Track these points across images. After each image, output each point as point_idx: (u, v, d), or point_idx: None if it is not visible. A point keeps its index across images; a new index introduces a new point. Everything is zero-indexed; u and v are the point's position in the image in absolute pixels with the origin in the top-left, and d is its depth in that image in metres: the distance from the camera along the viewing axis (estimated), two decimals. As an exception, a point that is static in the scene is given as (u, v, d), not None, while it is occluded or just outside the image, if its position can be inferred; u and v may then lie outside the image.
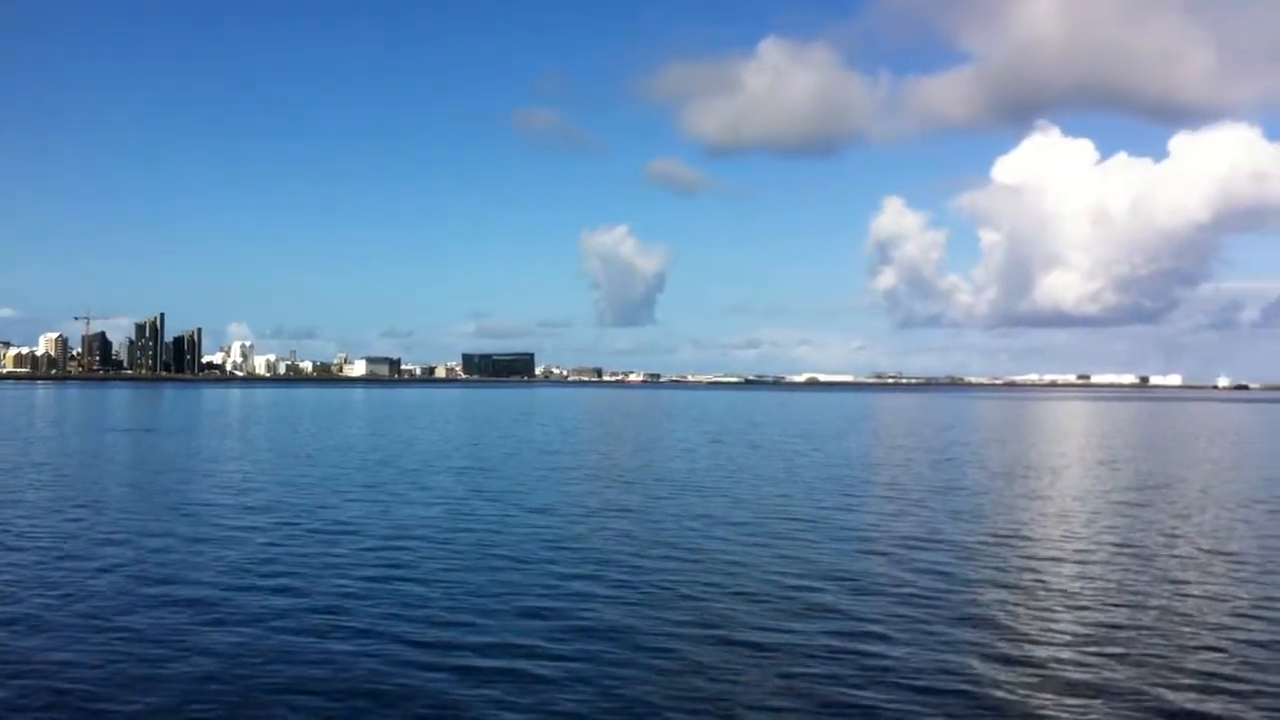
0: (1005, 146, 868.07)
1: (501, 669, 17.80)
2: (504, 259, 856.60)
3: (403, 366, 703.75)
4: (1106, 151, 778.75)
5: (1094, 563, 28.33)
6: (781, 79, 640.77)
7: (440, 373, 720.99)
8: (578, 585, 24.70)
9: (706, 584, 24.96)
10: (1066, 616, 22.01)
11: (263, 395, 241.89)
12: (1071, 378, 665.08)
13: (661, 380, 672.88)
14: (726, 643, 19.59)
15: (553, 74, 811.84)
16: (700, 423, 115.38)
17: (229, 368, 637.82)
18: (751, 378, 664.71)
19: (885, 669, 18.03)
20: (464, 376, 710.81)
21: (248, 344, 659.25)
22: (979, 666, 18.24)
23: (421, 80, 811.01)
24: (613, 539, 31.65)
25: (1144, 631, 20.80)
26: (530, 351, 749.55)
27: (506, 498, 41.48)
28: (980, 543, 31.49)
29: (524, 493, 43.45)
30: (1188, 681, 17.47)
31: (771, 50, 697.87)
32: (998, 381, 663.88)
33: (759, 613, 22.05)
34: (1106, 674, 17.89)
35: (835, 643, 19.64)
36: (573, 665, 18.09)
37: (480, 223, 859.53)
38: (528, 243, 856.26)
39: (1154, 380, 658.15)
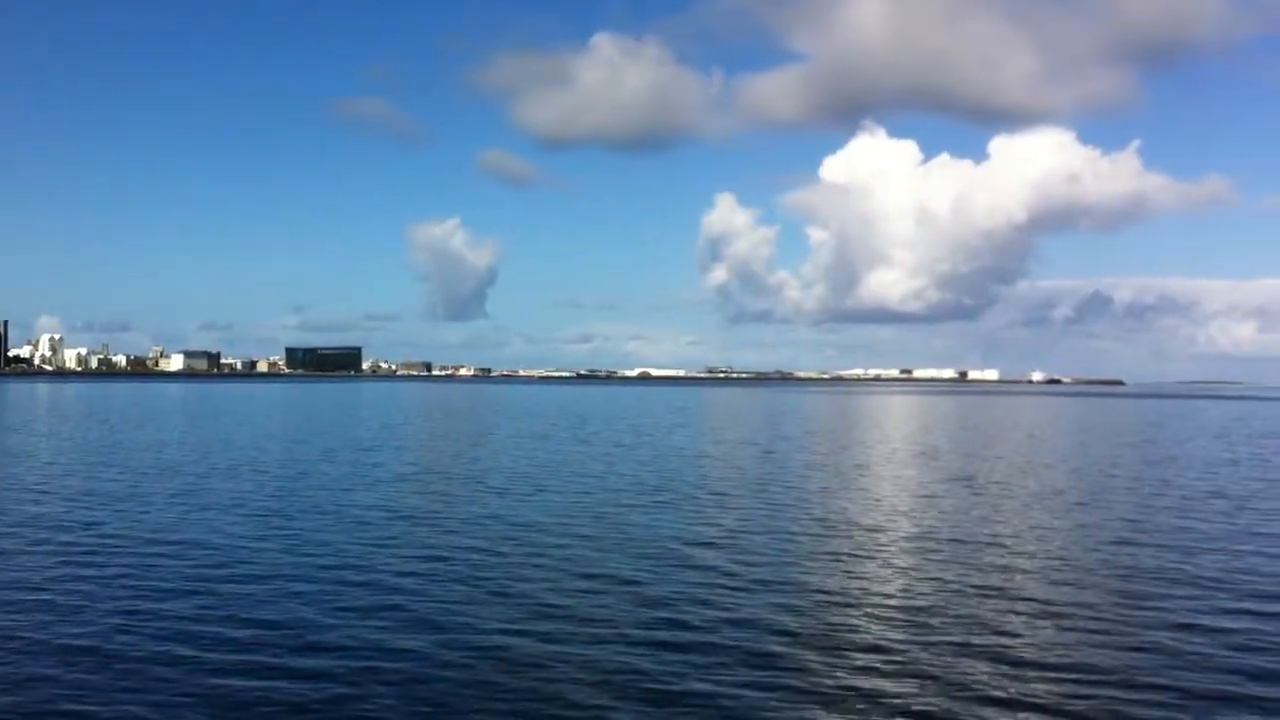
0: (833, 146, 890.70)
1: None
2: (329, 251, 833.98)
3: (222, 360, 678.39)
4: (930, 152, 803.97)
5: (897, 553, 28.14)
6: (614, 73, 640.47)
7: (262, 367, 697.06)
8: (342, 599, 23.09)
9: (480, 590, 23.67)
10: (861, 607, 21.47)
11: (72, 390, 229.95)
12: (895, 372, 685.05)
13: (492, 375, 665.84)
14: (469, 648, 18.50)
15: (381, 63, 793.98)
16: (529, 418, 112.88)
17: (37, 361, 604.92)
18: (584, 372, 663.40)
19: (682, 658, 17.06)
20: (287, 371, 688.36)
21: (57, 337, 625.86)
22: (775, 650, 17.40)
23: (241, 66, 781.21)
24: (408, 547, 30.01)
25: (925, 617, 20.38)
26: (357, 345, 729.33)
27: (314, 500, 39.36)
28: (789, 535, 30.93)
29: (331, 495, 41.40)
30: (984, 666, 17.08)
31: (604, 44, 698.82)
32: (825, 376, 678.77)
33: (505, 616, 21.14)
34: (902, 660, 17.32)
35: (592, 652, 18.64)
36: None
37: (303, 213, 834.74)
38: (354, 234, 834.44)
39: (972, 375, 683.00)
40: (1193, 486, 46.20)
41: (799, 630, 20.33)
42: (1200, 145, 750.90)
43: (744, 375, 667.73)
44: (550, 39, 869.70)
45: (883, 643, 19.47)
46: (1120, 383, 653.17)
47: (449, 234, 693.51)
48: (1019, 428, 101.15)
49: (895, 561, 27.61)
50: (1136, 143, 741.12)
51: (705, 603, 22.56)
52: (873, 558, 28.11)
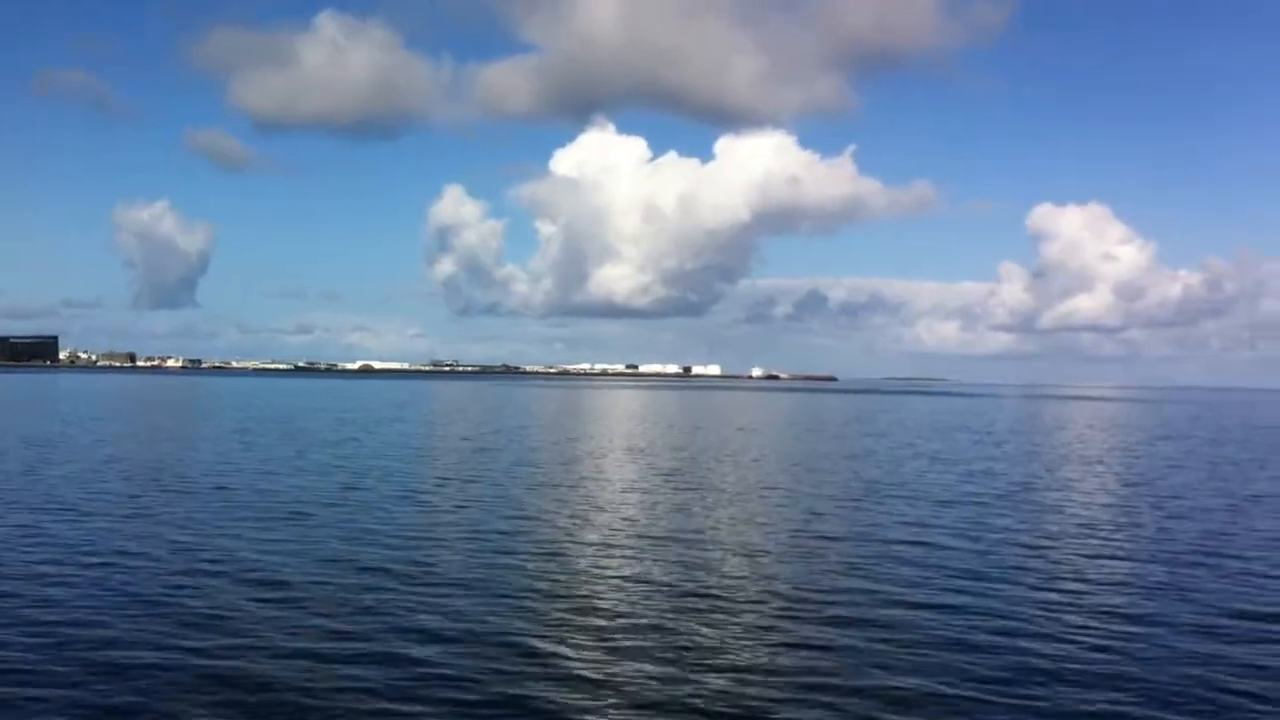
0: (564, 139, 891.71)
1: None
2: (21, 232, 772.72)
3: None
4: (659, 149, 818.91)
5: (582, 550, 27.30)
6: (338, 55, 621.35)
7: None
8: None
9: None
10: (527, 608, 20.55)
11: None
12: (621, 367, 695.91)
13: (203, 367, 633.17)
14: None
15: (86, 33, 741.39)
16: (236, 411, 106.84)
17: None
18: (302, 364, 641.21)
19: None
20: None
21: None
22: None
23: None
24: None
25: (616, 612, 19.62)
26: (54, 334, 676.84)
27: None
28: (478, 533, 29.70)
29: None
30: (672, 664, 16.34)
31: (328, 24, 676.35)
32: (552, 370, 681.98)
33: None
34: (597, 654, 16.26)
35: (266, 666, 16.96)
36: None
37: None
38: (50, 215, 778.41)
39: (696, 370, 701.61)
40: (884, 480, 47.53)
41: (449, 631, 19.18)
42: (909, 152, 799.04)
43: (470, 369, 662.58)
44: (271, 16, 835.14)
45: (540, 645, 18.47)
46: (833, 379, 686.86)
47: (157, 217, 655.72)
48: (731, 423, 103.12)
49: (576, 559, 26.77)
50: (852, 148, 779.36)
51: (369, 610, 20.99)
52: (556, 555, 27.21)
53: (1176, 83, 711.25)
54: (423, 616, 20.43)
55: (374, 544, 28.33)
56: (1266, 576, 25.80)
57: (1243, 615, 21.71)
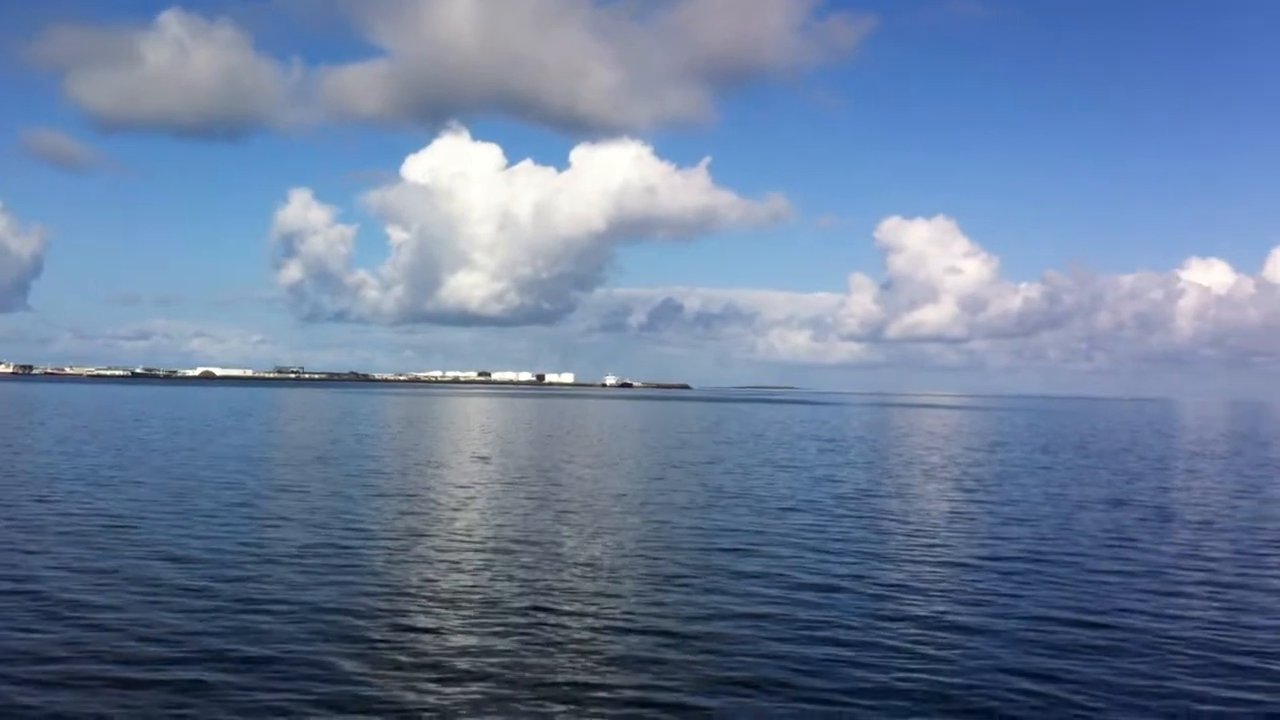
0: (416, 145, 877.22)
1: None
2: None
3: None
4: (514, 157, 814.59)
5: (430, 563, 26.27)
6: (183, 55, 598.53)
7: None
8: None
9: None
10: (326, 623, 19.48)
11: None
12: (473, 374, 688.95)
13: (35, 373, 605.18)
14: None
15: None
16: (64, 419, 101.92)
17: None
18: (140, 371, 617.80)
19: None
20: None
21: None
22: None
23: None
24: None
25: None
26: None
27: None
28: (299, 547, 28.40)
29: None
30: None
31: (172, 23, 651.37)
32: (402, 377, 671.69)
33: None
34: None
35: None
36: None
37: None
38: None
39: (550, 378, 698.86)
40: (730, 487, 47.40)
41: (246, 653, 17.98)
42: (764, 165, 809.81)
43: (317, 376, 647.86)
44: (112, 13, 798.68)
45: (344, 666, 17.47)
46: (687, 387, 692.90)
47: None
48: (582, 430, 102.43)
49: (400, 574, 25.71)
50: (708, 159, 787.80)
51: (167, 630, 19.65)
52: (378, 570, 26.12)
53: (1018, 101, 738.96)
54: (213, 640, 19.20)
55: (189, 560, 26.81)
56: (1090, 582, 26.12)
57: (1070, 622, 21.81)
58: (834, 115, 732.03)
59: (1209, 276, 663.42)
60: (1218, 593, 25.09)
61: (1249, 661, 18.93)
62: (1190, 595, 24.71)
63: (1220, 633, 21.06)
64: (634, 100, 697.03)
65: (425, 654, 18.47)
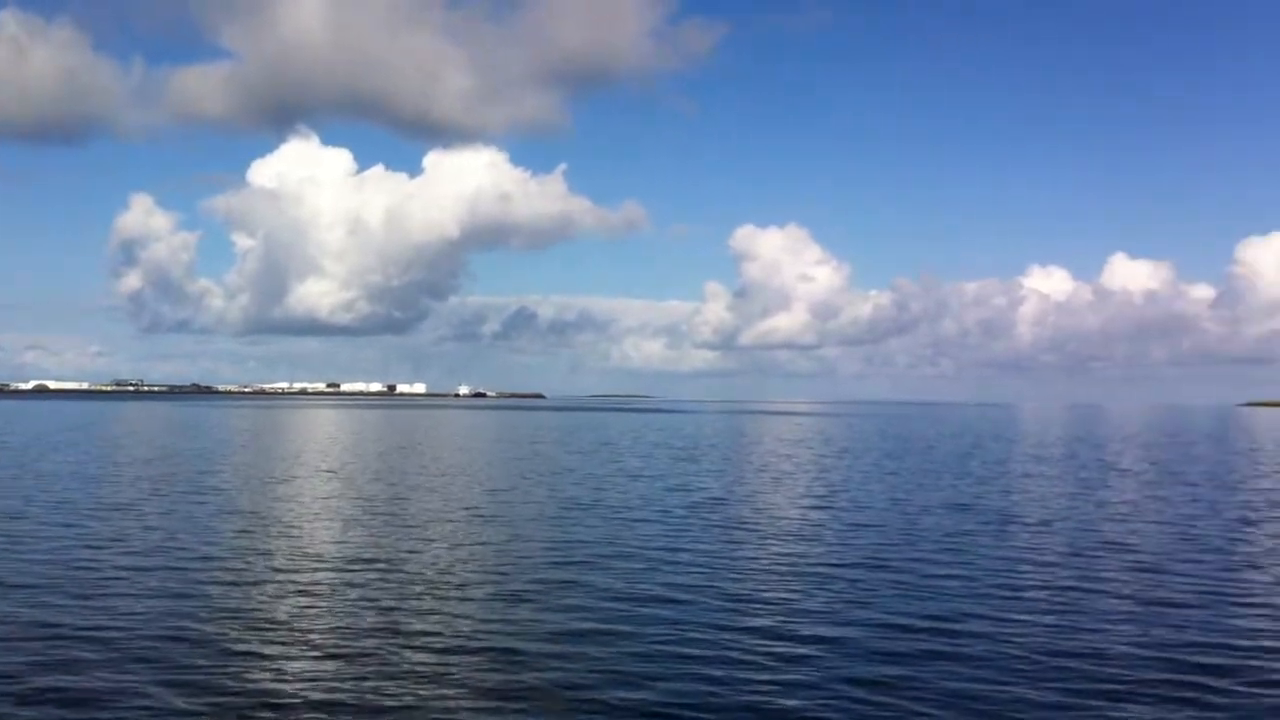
0: (263, 149, 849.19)
1: None
2: None
3: None
4: (365, 162, 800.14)
5: (255, 585, 25.17)
6: (18, 54, 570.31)
7: None
8: None
9: None
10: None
11: None
12: (322, 385, 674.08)
13: None
14: None
15: None
16: None
17: None
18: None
19: None
20: None
21: None
22: None
23: None
24: None
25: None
26: None
27: None
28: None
29: None
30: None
31: (7, 22, 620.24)
32: (247, 389, 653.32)
33: None
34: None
35: None
36: None
37: None
38: None
39: (401, 388, 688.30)
40: (583, 498, 47.04)
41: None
42: (620, 172, 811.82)
43: (157, 389, 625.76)
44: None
45: (151, 690, 16.55)
46: (541, 396, 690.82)
47: None
48: (433, 441, 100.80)
49: (220, 596, 24.65)
50: (563, 166, 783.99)
51: None
52: (193, 594, 24.94)
53: (868, 110, 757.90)
54: (23, 673, 17.97)
55: (6, 586, 25.22)
56: (933, 588, 26.49)
57: (913, 629, 22.01)
58: (688, 122, 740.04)
59: (1049, 284, 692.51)
60: (1055, 595, 25.66)
61: (1085, 665, 19.26)
62: (1029, 599, 25.21)
63: (1057, 636, 21.47)
64: (488, 105, 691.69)
65: (256, 682, 17.56)
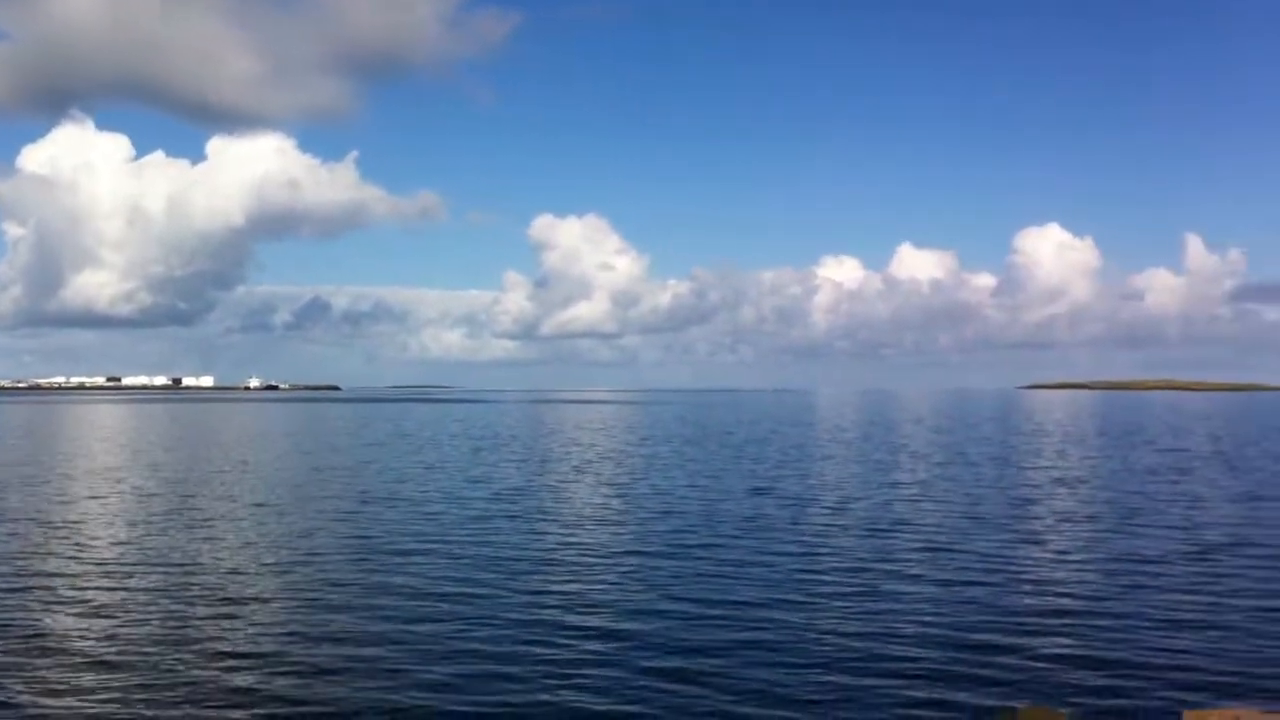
0: (34, 134, 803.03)
1: None
2: None
3: None
4: (144, 148, 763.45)
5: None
6: None
7: None
8: None
9: None
10: None
11: None
12: (101, 380, 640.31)
13: None
14: None
15: None
16: None
17: None
18: None
19: None
20: None
21: None
22: None
23: None
24: None
25: None
26: None
27: None
28: None
29: None
30: None
31: None
32: (21, 385, 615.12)
33: None
34: None
35: None
36: None
37: None
38: None
39: (187, 382, 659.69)
40: (378, 492, 45.60)
41: None
42: (414, 160, 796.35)
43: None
44: None
45: None
46: (337, 388, 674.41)
47: None
48: (220, 436, 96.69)
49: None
50: (355, 153, 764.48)
51: None
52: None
53: (663, 101, 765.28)
54: None
55: None
56: (731, 575, 26.48)
57: (711, 617, 21.86)
58: (485, 110, 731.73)
59: (841, 273, 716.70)
60: (850, 576, 25.99)
61: (878, 647, 19.41)
62: (826, 581, 25.44)
63: (852, 618, 21.65)
64: (275, 90, 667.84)
65: (13, 695, 15.86)
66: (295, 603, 23.01)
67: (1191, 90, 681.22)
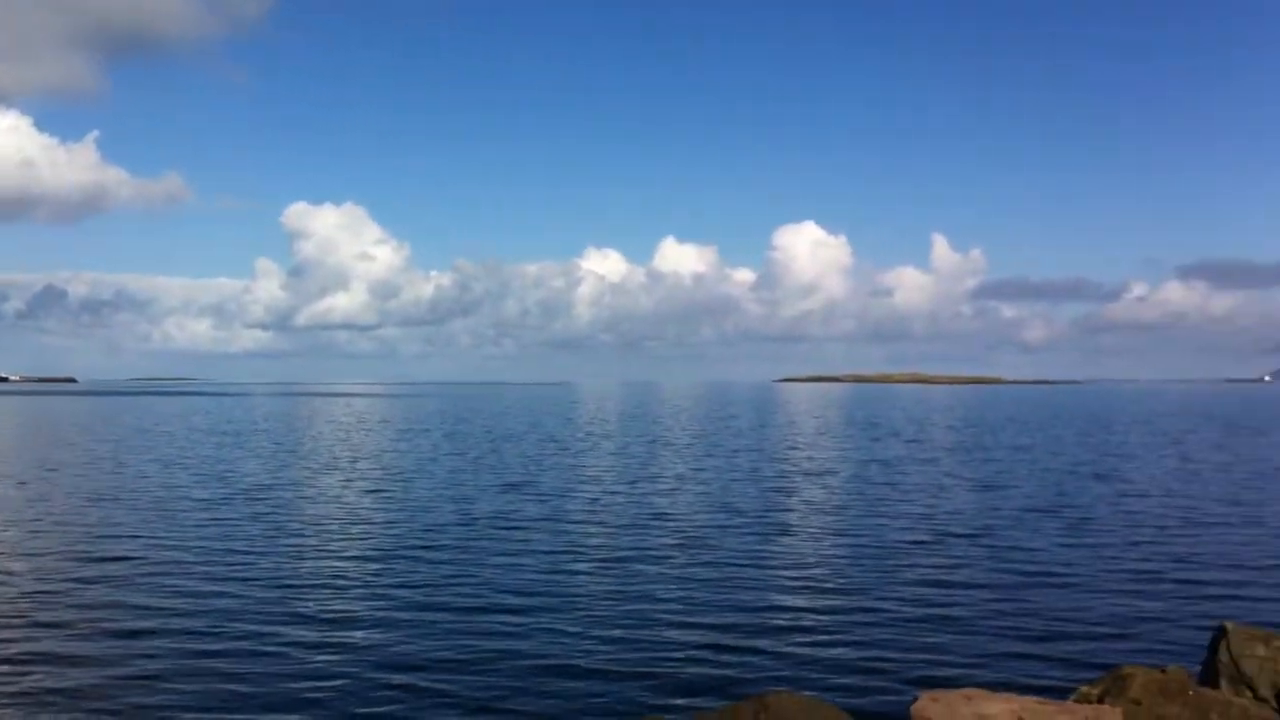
0: None
1: None
2: None
3: None
4: None
5: None
6: None
7: None
8: None
9: None
10: None
11: None
12: None
13: None
14: None
15: None
16: None
17: None
18: None
19: None
20: None
21: None
22: None
23: None
24: None
25: None
26: None
27: None
28: None
29: None
30: None
31: None
32: None
33: None
34: None
35: None
36: None
37: None
38: None
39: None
40: (105, 493, 42.57)
41: None
42: (161, 142, 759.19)
43: None
44: None
45: None
46: (73, 380, 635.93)
47: None
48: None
49: None
50: (95, 134, 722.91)
51: None
52: None
53: (423, 89, 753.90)
54: None
55: None
56: (484, 569, 25.64)
57: (463, 608, 21.14)
58: (239, 92, 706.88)
59: (605, 265, 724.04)
60: (607, 568, 25.86)
61: (637, 635, 19.22)
62: (580, 575, 25.07)
63: (610, 612, 21.21)
64: (11, 65, 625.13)
65: None
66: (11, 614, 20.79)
67: (940, 96, 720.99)
